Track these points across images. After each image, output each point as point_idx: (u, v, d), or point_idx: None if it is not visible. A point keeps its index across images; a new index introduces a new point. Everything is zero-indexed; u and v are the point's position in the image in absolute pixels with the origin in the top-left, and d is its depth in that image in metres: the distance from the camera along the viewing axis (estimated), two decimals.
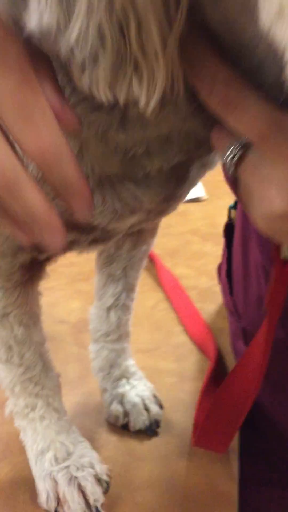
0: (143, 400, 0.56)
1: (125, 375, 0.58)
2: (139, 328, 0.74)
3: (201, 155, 0.37)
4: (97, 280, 0.58)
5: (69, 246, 0.40)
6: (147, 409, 0.56)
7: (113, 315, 0.57)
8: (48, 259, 0.43)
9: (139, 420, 0.55)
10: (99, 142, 0.32)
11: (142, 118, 0.30)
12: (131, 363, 0.60)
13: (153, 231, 0.55)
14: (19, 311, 0.43)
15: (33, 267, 0.42)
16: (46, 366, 0.47)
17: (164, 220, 1.12)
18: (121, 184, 0.35)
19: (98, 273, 0.57)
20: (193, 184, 0.40)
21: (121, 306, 0.57)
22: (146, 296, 0.82)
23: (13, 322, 0.44)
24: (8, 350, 0.45)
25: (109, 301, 0.57)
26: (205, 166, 0.40)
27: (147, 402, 0.57)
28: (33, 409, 0.48)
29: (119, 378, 0.58)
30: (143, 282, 0.87)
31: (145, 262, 0.57)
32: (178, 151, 0.34)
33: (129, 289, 0.57)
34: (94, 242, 0.42)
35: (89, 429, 0.56)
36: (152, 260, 0.92)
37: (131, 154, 0.33)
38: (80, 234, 0.38)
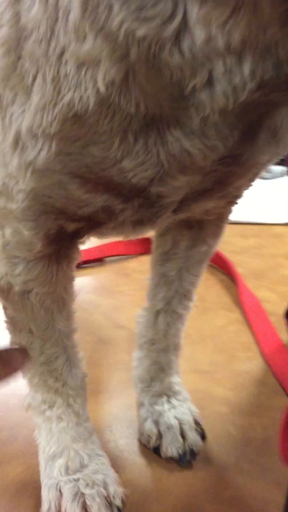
0: (181, 424, 0.49)
1: (167, 392, 0.52)
2: (200, 346, 0.67)
3: (278, 101, 0.28)
4: (150, 280, 0.52)
5: (103, 215, 0.34)
6: (183, 435, 0.49)
7: (161, 321, 0.51)
8: (78, 233, 0.37)
9: (173, 446, 0.48)
10: (150, 68, 0.25)
11: (207, 25, 0.23)
12: (176, 380, 0.53)
13: (215, 229, 0.47)
14: (41, 290, 0.39)
15: (59, 239, 0.37)
16: (70, 361, 0.43)
17: (258, 240, 1.04)
18: (169, 131, 0.28)
19: (152, 271, 0.51)
20: (260, 152, 0.32)
21: (171, 312, 0.50)
22: (217, 314, 0.74)
23: (34, 302, 0.39)
24: (29, 334, 0.41)
25: (159, 304, 0.50)
26: (275, 139, 0.31)
27: (185, 427, 0.49)
28: (50, 406, 0.43)
29: (159, 395, 0.52)
30: (219, 299, 0.80)
31: (204, 267, 0.50)
32: (250, 77, 0.25)
33: (183, 294, 0.50)
34: (138, 223, 0.36)
35: (115, 445, 0.50)
36: (233, 278, 0.84)
37: (189, 89, 0.26)
38: (115, 197, 0.32)
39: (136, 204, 0.33)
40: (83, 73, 0.26)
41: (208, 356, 0.65)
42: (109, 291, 0.83)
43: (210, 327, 0.71)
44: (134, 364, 0.54)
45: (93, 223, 0.36)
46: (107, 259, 0.95)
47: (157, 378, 0.52)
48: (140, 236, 0.42)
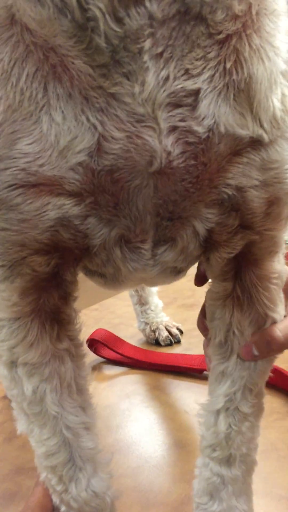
0: None
1: None
2: (287, 464, 0.57)
3: None
4: (210, 371, 0.45)
5: (66, 235, 0.30)
6: None
7: (222, 422, 0.42)
8: (57, 275, 0.33)
9: None
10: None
11: None
12: (242, 507, 0.43)
13: (269, 297, 0.38)
14: (28, 359, 0.35)
15: (37, 287, 0.33)
16: (75, 462, 0.38)
17: None
18: (87, 82, 0.25)
19: (212, 362, 0.44)
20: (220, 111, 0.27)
21: (233, 410, 0.42)
22: None
23: (21, 375, 0.35)
24: (26, 418, 0.37)
25: (220, 401, 0.42)
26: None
27: None
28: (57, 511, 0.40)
29: None
30: None
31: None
32: None
33: (247, 388, 0.42)
34: (127, 245, 0.32)
35: None
36: None
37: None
38: (65, 198, 0.28)
39: (90, 201, 0.29)
40: None
41: None
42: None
43: None
44: (195, 473, 0.46)
45: (66, 254, 0.32)
46: None
47: (217, 496, 0.43)
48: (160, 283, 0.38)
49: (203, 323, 0.44)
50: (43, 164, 0.27)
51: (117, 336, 0.91)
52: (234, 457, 0.43)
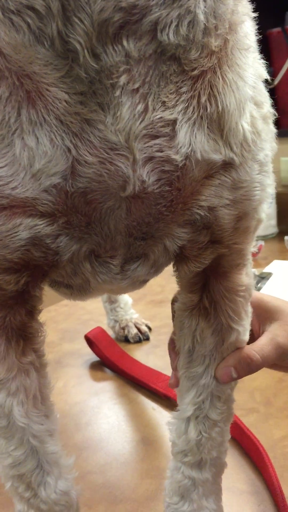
0: None
1: None
2: (246, 460, 0.59)
3: None
4: (180, 383, 0.46)
5: (38, 253, 0.30)
6: None
7: (192, 429, 0.44)
8: (26, 292, 0.34)
9: None
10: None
11: None
12: (211, 506, 0.45)
13: (235, 309, 0.40)
14: None
15: (3, 305, 0.33)
16: (43, 468, 0.39)
17: None
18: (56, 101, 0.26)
19: (179, 371, 0.45)
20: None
21: (203, 418, 0.44)
22: (280, 424, 0.66)
23: None
24: None
25: (189, 410, 0.44)
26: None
27: None
28: None
29: None
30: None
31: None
32: None
33: (215, 396, 0.43)
34: (97, 259, 0.33)
35: None
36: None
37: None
38: (38, 219, 0.29)
39: (63, 221, 0.29)
40: None
41: (252, 473, 0.57)
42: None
43: (265, 438, 0.63)
44: (167, 474, 0.48)
45: (34, 271, 0.32)
46: None
47: (187, 497, 0.45)
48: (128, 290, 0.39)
49: (173, 343, 0.47)
50: (15, 187, 0.27)
51: (111, 338, 0.91)
52: (205, 461, 0.45)
